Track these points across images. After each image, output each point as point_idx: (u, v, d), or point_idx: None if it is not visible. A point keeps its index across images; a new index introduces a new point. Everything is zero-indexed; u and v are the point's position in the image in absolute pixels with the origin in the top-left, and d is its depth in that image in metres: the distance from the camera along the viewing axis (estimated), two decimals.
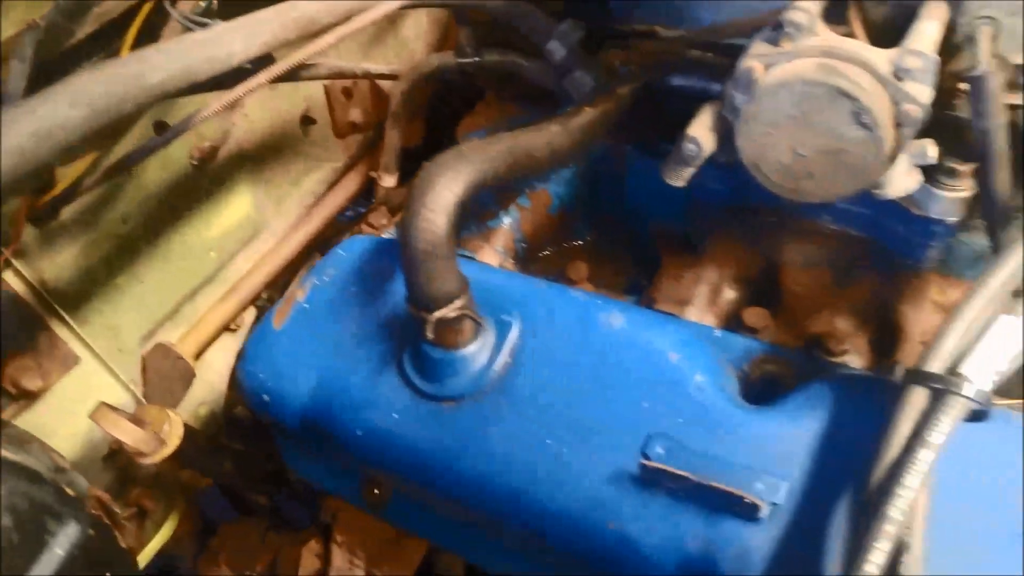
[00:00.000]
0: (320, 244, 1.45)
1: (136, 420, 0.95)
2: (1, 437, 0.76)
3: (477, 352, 0.84)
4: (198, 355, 1.27)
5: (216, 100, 0.84)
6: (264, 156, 1.35)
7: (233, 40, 0.80)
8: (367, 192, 1.51)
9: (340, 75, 1.20)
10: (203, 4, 1.01)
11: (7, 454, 0.71)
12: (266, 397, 0.96)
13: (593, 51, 1.26)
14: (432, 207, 0.79)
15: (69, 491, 0.76)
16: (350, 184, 1.50)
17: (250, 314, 1.39)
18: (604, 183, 1.23)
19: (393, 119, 1.36)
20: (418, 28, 1.53)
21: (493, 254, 1.18)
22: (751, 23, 1.09)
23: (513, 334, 0.85)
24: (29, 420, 0.98)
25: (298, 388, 0.94)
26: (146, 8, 1.00)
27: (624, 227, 1.23)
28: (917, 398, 0.65)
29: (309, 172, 1.47)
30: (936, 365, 0.66)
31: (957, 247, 0.98)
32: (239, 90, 0.82)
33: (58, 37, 0.89)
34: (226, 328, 1.33)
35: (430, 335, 0.81)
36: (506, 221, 1.20)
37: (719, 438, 0.73)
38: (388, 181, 1.42)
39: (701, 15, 1.22)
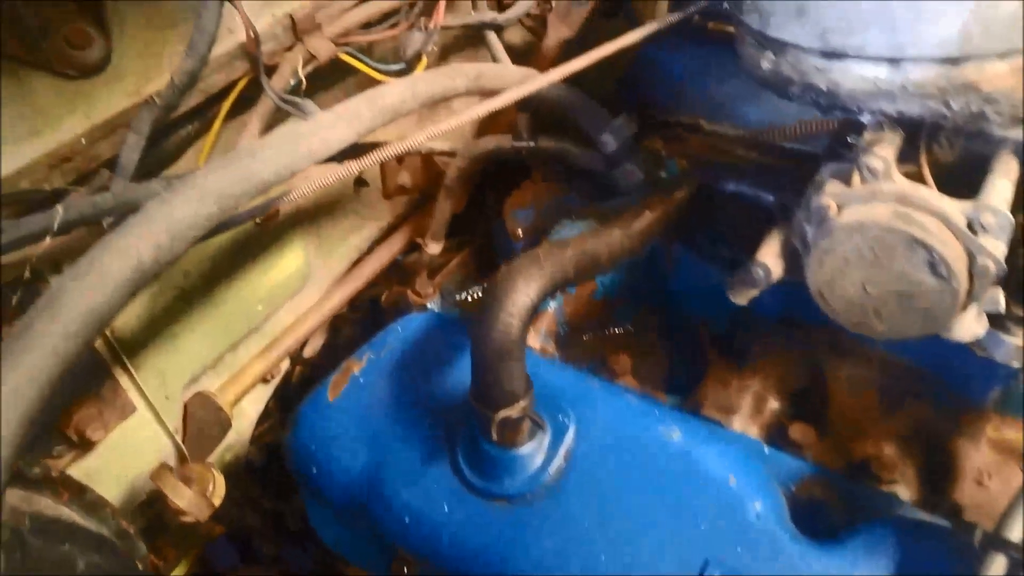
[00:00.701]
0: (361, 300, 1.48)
1: (184, 478, 0.97)
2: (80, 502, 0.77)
3: (533, 453, 0.85)
4: (235, 403, 1.29)
5: (304, 183, 0.87)
6: (318, 214, 1.39)
7: (331, 133, 0.83)
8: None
9: (408, 152, 1.24)
10: (292, 82, 1.05)
11: (86, 523, 0.72)
12: (314, 469, 0.97)
13: (639, 138, 1.30)
14: (510, 311, 0.81)
15: (135, 560, 0.77)
16: (394, 245, 1.52)
17: (284, 364, 1.41)
18: (650, 276, 1.25)
19: (446, 191, 1.40)
20: (470, 102, 1.57)
21: (535, 337, 1.19)
22: (797, 130, 1.13)
23: (569, 437, 0.87)
24: (83, 466, 1.00)
25: (347, 464, 0.96)
26: (242, 83, 1.03)
27: (666, 318, 1.26)
28: (997, 566, 0.66)
29: (357, 230, 1.50)
30: (1016, 534, 0.67)
31: (1016, 386, 0.99)
32: (330, 176, 0.85)
33: (167, 110, 0.92)
34: (263, 379, 1.35)
35: (493, 435, 0.82)
36: (551, 305, 1.22)
37: (776, 569, 0.75)
38: (434, 248, 1.45)
39: (744, 111, 1.26)
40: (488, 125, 1.55)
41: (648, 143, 1.37)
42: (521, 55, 1.53)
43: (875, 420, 1.04)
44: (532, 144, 1.34)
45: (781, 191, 1.08)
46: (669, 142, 1.39)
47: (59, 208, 0.74)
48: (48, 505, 0.71)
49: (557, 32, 1.41)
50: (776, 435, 1.07)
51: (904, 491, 0.99)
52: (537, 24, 1.51)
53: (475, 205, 1.53)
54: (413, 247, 1.52)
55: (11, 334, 0.56)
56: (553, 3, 1.43)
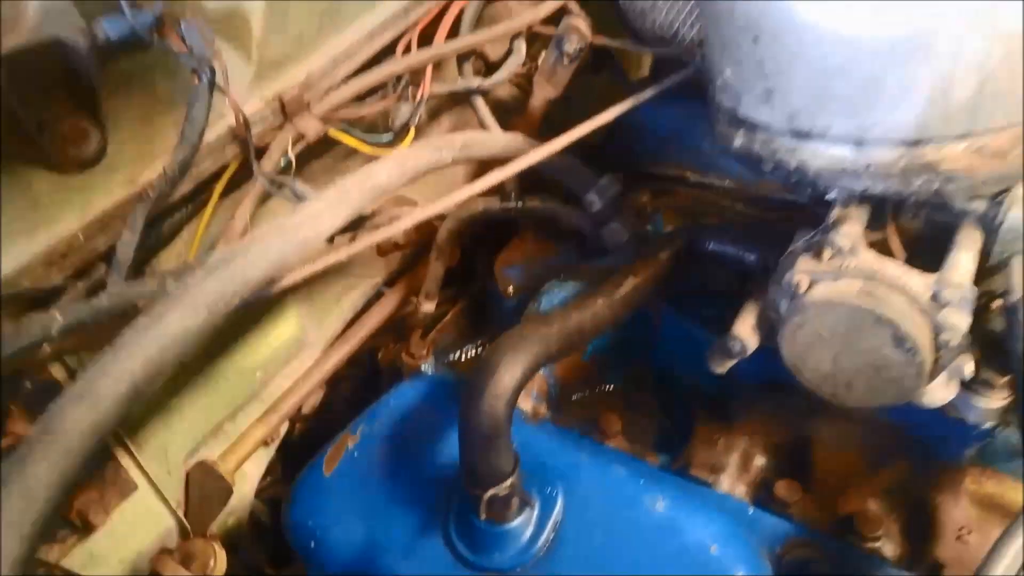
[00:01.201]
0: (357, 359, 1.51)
1: (185, 557, 1.00)
2: None
3: (523, 527, 0.88)
4: (236, 470, 1.31)
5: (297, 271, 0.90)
6: (311, 278, 1.42)
7: (320, 220, 0.86)
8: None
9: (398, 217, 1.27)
10: (282, 163, 1.08)
11: None
12: (312, 544, 1.00)
13: (625, 192, 1.34)
14: (495, 393, 0.84)
15: None
16: (387, 305, 1.55)
17: (284, 426, 1.44)
18: (637, 335, 1.28)
19: (438, 251, 1.43)
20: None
21: (528, 399, 1.22)
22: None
23: (557, 510, 0.89)
24: (86, 549, 1.03)
25: (344, 538, 0.99)
26: (233, 167, 1.07)
27: (655, 377, 1.28)
28: None
29: (350, 289, 1.52)
30: None
31: (994, 440, 1.02)
32: (319, 264, 0.89)
33: (160, 201, 0.96)
34: (264, 443, 1.38)
35: (482, 513, 0.85)
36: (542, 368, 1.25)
37: None
38: (427, 307, 1.48)
39: (729, 162, 1.29)
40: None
41: (635, 196, 1.42)
42: (509, 110, 1.57)
43: (858, 477, 1.07)
44: (520, 205, 1.37)
45: (763, 249, 1.11)
46: (656, 194, 1.44)
47: (57, 315, 0.77)
48: None
49: (543, 91, 1.44)
50: (763, 491, 1.09)
51: (889, 546, 1.01)
52: (524, 80, 1.54)
53: (468, 262, 1.56)
54: (407, 303, 1.55)
55: (10, 457, 0.59)
56: (538, 63, 1.47)
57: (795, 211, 1.11)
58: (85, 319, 0.80)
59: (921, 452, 1.02)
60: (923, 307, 0.80)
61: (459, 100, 1.50)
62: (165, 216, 1.04)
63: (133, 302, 0.84)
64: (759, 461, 1.12)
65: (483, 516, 0.85)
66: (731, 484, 1.08)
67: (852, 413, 1.05)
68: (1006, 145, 0.78)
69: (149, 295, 0.85)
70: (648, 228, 1.38)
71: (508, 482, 0.84)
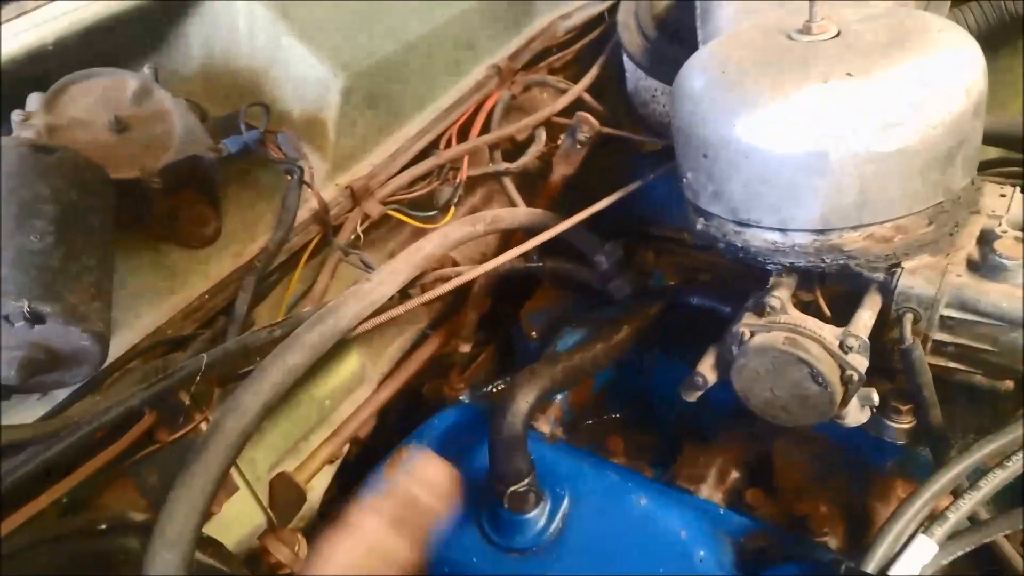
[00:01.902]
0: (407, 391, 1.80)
1: (280, 539, 1.29)
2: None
3: (538, 517, 1.16)
4: (308, 481, 1.60)
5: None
6: None
7: (385, 286, 1.17)
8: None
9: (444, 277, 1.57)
10: (353, 237, 1.39)
11: (224, 570, 1.05)
12: None
13: (630, 250, 1.61)
14: (514, 413, 1.13)
15: None
16: (430, 347, 1.84)
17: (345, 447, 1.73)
18: (636, 374, 1.56)
19: (473, 302, 1.72)
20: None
21: (547, 423, 1.51)
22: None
23: (564, 505, 1.17)
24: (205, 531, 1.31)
25: None
26: (315, 241, 1.38)
27: (651, 408, 1.56)
28: None
29: (400, 334, 1.80)
30: (871, 566, 0.94)
31: (917, 456, 1.27)
32: (383, 317, 1.19)
33: (265, 269, 1.27)
34: (329, 461, 1.67)
35: (506, 504, 1.14)
36: (558, 397, 1.53)
37: None
38: (464, 348, 1.76)
39: None
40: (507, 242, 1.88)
41: (640, 256, 1.69)
42: (532, 177, 1.85)
43: (811, 486, 1.33)
44: (540, 264, 1.66)
45: (735, 303, 1.39)
46: (659, 252, 1.71)
47: (204, 356, 1.08)
48: (201, 557, 1.04)
49: (560, 170, 1.72)
50: (735, 499, 1.36)
51: (833, 541, 1.27)
52: (546, 157, 1.83)
53: (498, 309, 1.84)
54: (446, 343, 1.84)
55: (192, 448, 0.90)
56: (558, 142, 1.76)
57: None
58: (220, 359, 1.10)
59: (858, 466, 1.29)
60: (833, 352, 1.07)
61: (490, 176, 1.80)
62: (263, 279, 1.34)
63: (250, 345, 1.15)
64: (733, 475, 1.38)
65: (506, 506, 1.14)
66: (710, 492, 1.35)
67: (805, 433, 1.34)
68: (889, 233, 1.06)
69: (263, 340, 1.15)
70: (650, 283, 1.65)
71: (526, 481, 1.13)
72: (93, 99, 1.20)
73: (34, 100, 1.17)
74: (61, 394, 1.10)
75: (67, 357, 0.99)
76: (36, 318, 0.92)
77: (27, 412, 1.08)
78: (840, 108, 0.98)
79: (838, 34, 1.07)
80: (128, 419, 1.04)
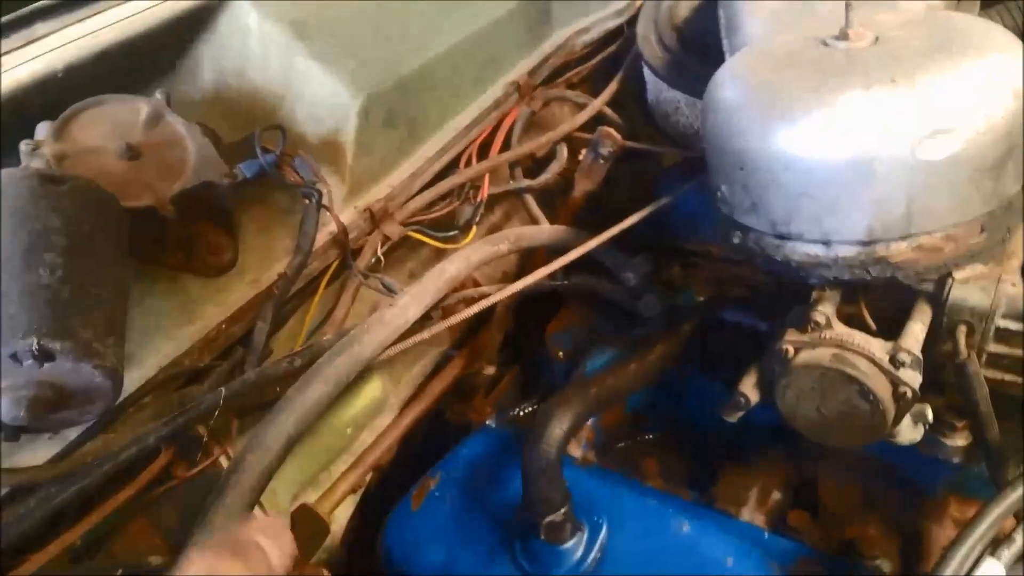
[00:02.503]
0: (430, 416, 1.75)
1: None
2: None
3: (575, 547, 1.11)
4: (331, 512, 1.55)
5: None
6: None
7: (408, 311, 1.13)
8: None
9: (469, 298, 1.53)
10: (372, 260, 1.35)
11: None
12: (403, 568, 1.24)
13: (658, 265, 1.56)
14: (548, 441, 1.08)
15: None
16: (452, 370, 1.79)
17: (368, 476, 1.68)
18: (670, 393, 1.51)
19: (497, 322, 1.67)
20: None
21: (578, 447, 1.45)
22: None
23: (603, 534, 1.12)
24: None
25: (428, 561, 1.22)
26: (334, 266, 1.34)
27: (686, 428, 1.51)
28: None
29: (421, 356, 1.76)
30: None
31: (970, 474, 1.20)
32: (409, 342, 1.15)
33: (283, 297, 1.23)
34: (352, 491, 1.62)
35: (542, 535, 1.09)
36: (590, 420, 1.48)
37: None
38: (489, 371, 1.71)
39: None
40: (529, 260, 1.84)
41: (667, 269, 1.64)
42: (554, 194, 1.81)
43: (858, 507, 1.27)
44: (566, 281, 1.61)
45: (772, 319, 1.34)
46: (686, 268, 1.66)
47: (223, 390, 1.03)
48: None
49: (582, 185, 1.68)
50: (778, 522, 1.30)
51: (886, 565, 1.21)
52: (568, 173, 1.79)
53: (522, 329, 1.80)
54: (469, 364, 1.79)
55: (215, 487, 0.86)
56: (579, 158, 1.72)
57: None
58: (238, 391, 1.06)
59: (909, 486, 1.23)
60: (883, 368, 1.02)
61: (511, 193, 1.76)
62: (281, 306, 1.30)
63: (271, 376, 1.11)
64: (775, 496, 1.33)
65: (543, 537, 1.08)
66: (751, 515, 1.29)
67: (849, 453, 1.28)
68: (939, 243, 1.01)
69: (283, 371, 1.11)
70: (679, 299, 1.61)
71: (562, 511, 1.07)
72: (104, 126, 1.16)
73: (43, 129, 1.13)
74: (73, 432, 1.05)
75: (78, 394, 0.95)
76: (45, 355, 0.88)
77: (37, 452, 1.03)
78: (886, 115, 0.94)
79: (876, 40, 1.02)
80: (144, 457, 1.00)
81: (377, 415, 1.67)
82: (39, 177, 0.98)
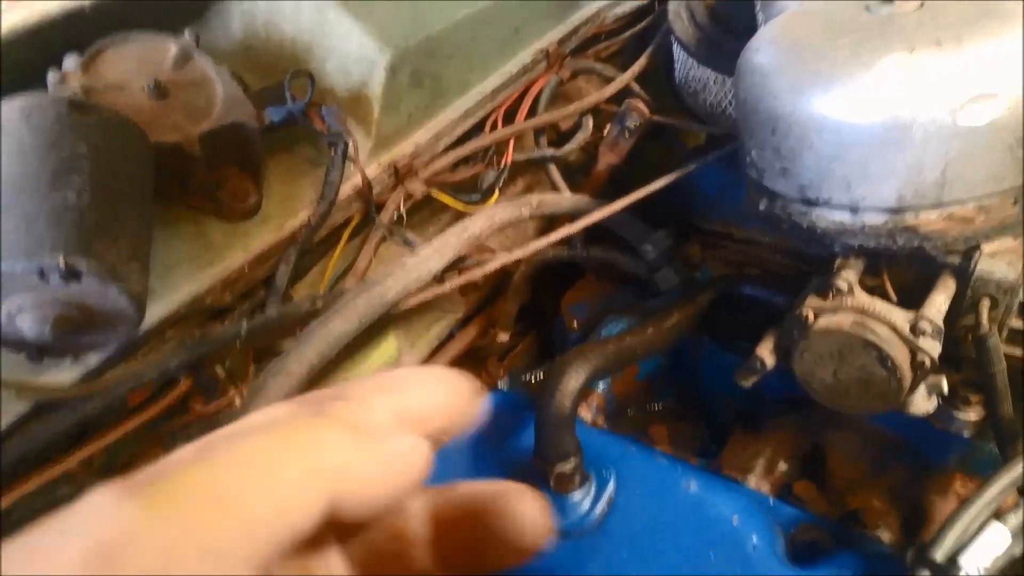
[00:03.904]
0: None
1: None
2: None
3: (583, 498, 1.11)
4: None
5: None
6: (408, 310, 1.67)
7: (431, 261, 1.13)
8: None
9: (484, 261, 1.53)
10: (396, 216, 1.35)
11: None
12: None
13: (677, 243, 1.56)
14: (563, 391, 1.08)
15: None
16: (468, 334, 1.80)
17: None
18: (683, 361, 1.51)
19: (513, 291, 1.67)
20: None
21: (588, 411, 1.46)
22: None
23: (611, 487, 1.12)
24: None
25: None
26: (356, 218, 1.34)
27: (697, 397, 1.51)
28: None
29: (438, 321, 1.76)
30: (940, 553, 0.89)
31: (978, 451, 1.21)
32: (428, 294, 1.15)
33: (306, 243, 1.23)
34: None
35: (551, 484, 1.09)
36: (601, 386, 1.48)
37: None
38: (503, 337, 1.72)
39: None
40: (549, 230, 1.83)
41: (686, 248, 1.64)
42: (577, 172, 1.82)
43: (864, 479, 1.27)
44: (584, 253, 1.62)
45: (787, 294, 1.34)
46: (706, 247, 1.66)
47: (244, 323, 1.04)
48: None
49: (606, 159, 1.68)
50: (784, 491, 1.31)
51: (887, 535, 1.21)
52: (590, 147, 1.79)
53: (538, 297, 1.80)
54: (485, 333, 1.80)
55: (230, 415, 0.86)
56: (604, 133, 1.72)
57: (819, 263, 1.33)
58: (260, 327, 1.06)
59: (917, 459, 1.23)
60: (903, 336, 1.02)
61: (534, 164, 1.77)
62: (304, 253, 1.31)
63: (292, 315, 1.11)
64: (782, 466, 1.33)
65: (552, 486, 1.08)
66: (757, 483, 1.29)
67: (860, 424, 1.28)
68: (971, 213, 1.00)
69: (304, 312, 1.11)
70: (697, 276, 1.61)
71: (572, 461, 1.08)
72: (131, 63, 1.16)
73: (71, 60, 1.13)
74: (95, 360, 1.06)
75: (102, 318, 0.95)
76: (72, 274, 0.88)
77: (60, 376, 1.04)
78: (928, 79, 0.93)
79: (921, 5, 1.02)
80: (164, 384, 1.00)
81: None
82: (68, 104, 0.98)
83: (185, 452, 0.35)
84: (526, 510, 0.41)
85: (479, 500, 0.41)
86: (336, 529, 0.36)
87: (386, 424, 0.37)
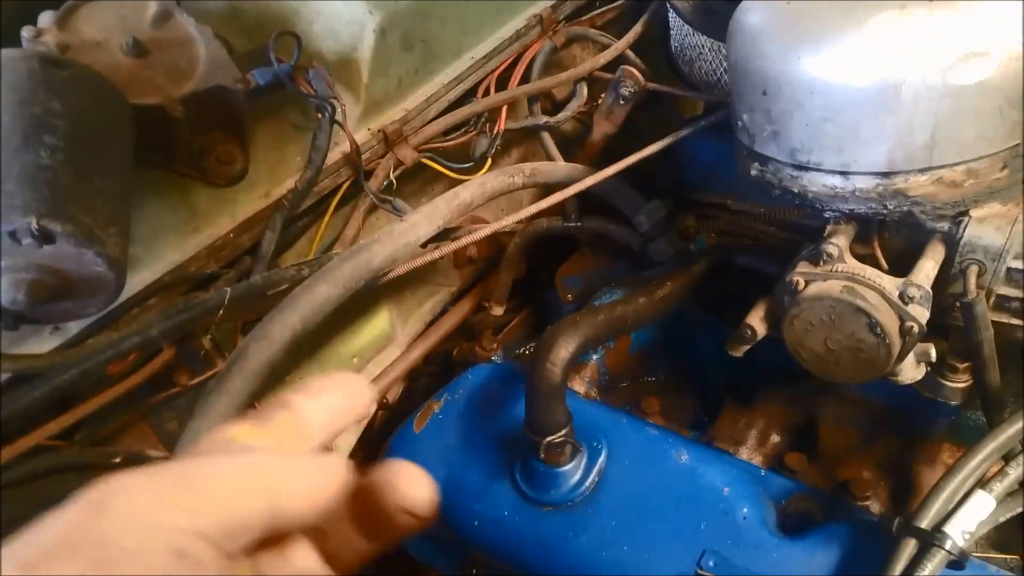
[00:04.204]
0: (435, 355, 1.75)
1: None
2: None
3: (573, 470, 1.10)
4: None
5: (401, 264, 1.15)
6: (400, 283, 1.66)
7: (419, 228, 1.12)
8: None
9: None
10: (385, 183, 1.34)
11: None
12: None
13: (672, 215, 1.55)
14: (553, 361, 1.07)
15: None
16: (463, 308, 1.78)
17: (372, 408, 1.68)
18: (676, 333, 1.50)
19: (507, 263, 1.66)
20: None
21: (581, 383, 1.44)
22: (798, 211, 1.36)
23: (601, 459, 1.11)
24: None
25: None
26: (345, 185, 1.33)
27: (690, 369, 1.50)
28: (908, 547, 0.88)
29: (431, 295, 1.76)
30: (925, 522, 0.89)
31: (966, 421, 1.21)
32: (417, 262, 1.14)
33: (292, 210, 1.22)
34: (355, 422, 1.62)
35: (541, 455, 1.08)
36: (594, 358, 1.47)
37: (757, 558, 0.98)
38: (497, 311, 1.70)
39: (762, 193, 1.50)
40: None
41: (681, 219, 1.62)
42: (571, 142, 1.80)
43: (855, 450, 1.27)
44: (579, 224, 1.60)
45: (780, 264, 1.32)
46: (700, 218, 1.64)
47: (227, 290, 1.03)
48: None
49: (601, 128, 1.66)
50: (775, 462, 1.30)
51: (875, 506, 1.20)
52: (585, 117, 1.77)
53: (532, 273, 1.79)
54: (479, 309, 1.79)
55: (210, 384, 0.85)
56: (598, 102, 1.70)
57: (813, 233, 1.31)
58: (244, 294, 1.05)
59: (906, 430, 1.22)
60: (892, 302, 1.01)
61: (528, 133, 1.74)
62: (291, 223, 1.29)
63: (277, 283, 1.10)
64: (774, 438, 1.32)
65: (542, 457, 1.07)
66: (749, 455, 1.29)
67: (850, 396, 1.27)
68: (960, 177, 0.98)
69: (290, 278, 1.10)
70: (691, 247, 1.59)
71: (563, 432, 1.06)
72: (109, 20, 1.13)
73: (46, 17, 1.10)
74: (75, 328, 1.05)
75: (80, 284, 0.94)
76: (45, 237, 0.86)
77: (39, 346, 1.03)
78: (918, 35, 0.91)
79: None
80: (146, 353, 0.99)
81: (383, 349, 1.66)
82: (40, 59, 0.95)
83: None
84: (404, 482, 0.49)
85: (375, 480, 0.49)
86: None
87: (319, 424, 0.50)
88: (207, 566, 0.39)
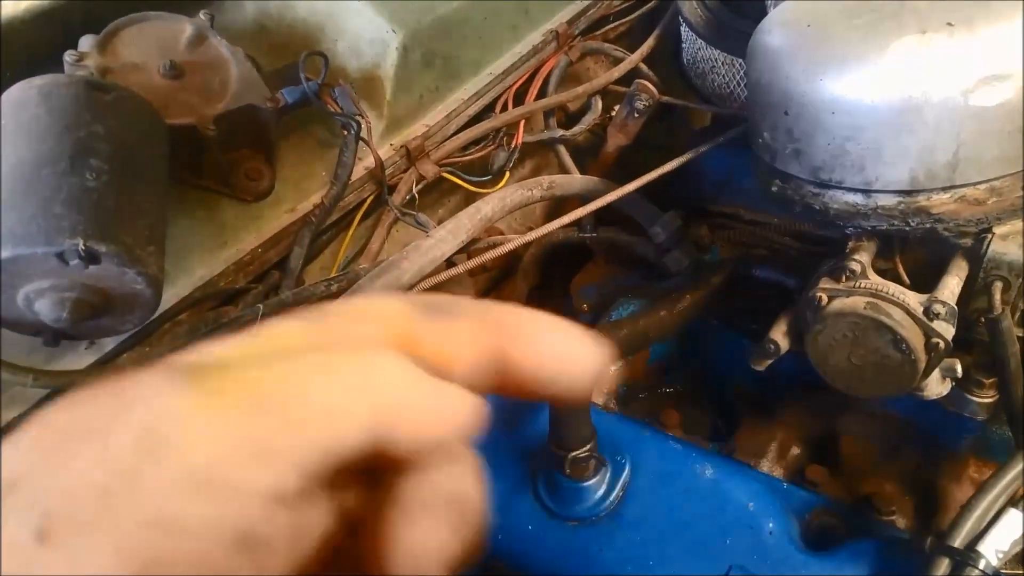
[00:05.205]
0: None
1: None
2: None
3: (598, 485, 1.11)
4: None
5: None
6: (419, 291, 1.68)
7: (445, 243, 1.14)
8: None
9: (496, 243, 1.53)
10: (408, 197, 1.35)
11: None
12: None
13: (686, 225, 1.56)
14: None
15: None
16: None
17: None
18: (695, 345, 1.51)
19: (523, 273, 1.68)
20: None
21: (600, 395, 1.46)
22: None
23: (625, 473, 1.12)
24: None
25: None
26: (369, 200, 1.34)
27: (709, 381, 1.51)
28: (941, 566, 0.88)
29: None
30: (958, 540, 0.90)
31: (992, 435, 1.21)
32: (443, 275, 1.15)
33: (319, 225, 1.23)
34: None
35: (567, 470, 1.09)
36: (611, 369, 1.48)
37: (783, 574, 1.00)
38: None
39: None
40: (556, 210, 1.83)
41: (695, 230, 1.64)
42: (585, 153, 1.81)
43: (876, 464, 1.28)
44: (594, 235, 1.62)
45: (799, 276, 1.34)
46: (714, 229, 1.66)
47: (260, 307, 1.04)
48: None
49: (615, 140, 1.68)
50: (798, 477, 1.31)
51: (901, 521, 1.22)
52: (599, 129, 1.78)
53: (547, 283, 1.81)
54: None
55: None
56: (612, 114, 1.71)
57: (828, 244, 1.33)
58: (276, 310, 1.07)
59: (930, 444, 1.24)
60: (917, 318, 1.02)
61: (543, 146, 1.76)
62: (316, 237, 1.31)
63: (307, 299, 1.11)
64: (794, 451, 1.33)
65: (567, 472, 1.09)
66: (769, 467, 1.30)
67: (872, 409, 1.28)
68: (982, 196, 1.00)
69: (320, 294, 1.11)
70: (706, 257, 1.61)
71: (588, 447, 1.08)
72: (147, 43, 1.16)
73: (87, 42, 1.13)
74: (110, 344, 1.06)
75: (119, 301, 0.96)
76: (91, 258, 0.88)
77: (75, 361, 1.05)
78: (941, 59, 0.93)
79: None
80: None
81: None
82: (85, 84, 0.98)
83: (239, 344, 0.34)
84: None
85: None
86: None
87: (475, 366, 0.37)
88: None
